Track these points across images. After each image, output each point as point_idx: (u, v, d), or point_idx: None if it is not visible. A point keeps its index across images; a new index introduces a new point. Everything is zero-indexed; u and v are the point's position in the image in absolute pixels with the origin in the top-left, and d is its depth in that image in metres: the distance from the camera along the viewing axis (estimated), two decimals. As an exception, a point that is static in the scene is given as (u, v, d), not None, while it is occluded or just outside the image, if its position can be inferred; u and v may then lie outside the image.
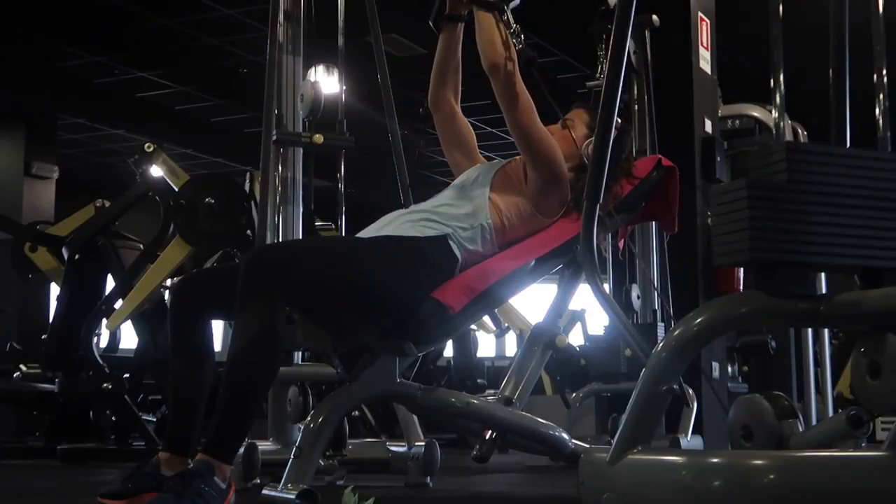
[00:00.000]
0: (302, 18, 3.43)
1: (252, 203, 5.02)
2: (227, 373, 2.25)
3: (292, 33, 3.41)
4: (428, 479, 3.42)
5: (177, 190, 5.28)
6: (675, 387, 1.74)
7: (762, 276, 1.74)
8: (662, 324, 4.41)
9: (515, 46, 2.67)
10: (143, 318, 5.48)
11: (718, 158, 4.99)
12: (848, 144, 2.03)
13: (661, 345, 1.77)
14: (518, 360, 2.83)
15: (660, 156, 3.03)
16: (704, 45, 5.12)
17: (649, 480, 1.66)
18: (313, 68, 3.83)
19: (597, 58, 4.51)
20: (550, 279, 2.95)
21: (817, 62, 2.17)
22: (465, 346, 6.77)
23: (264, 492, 2.49)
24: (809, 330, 3.98)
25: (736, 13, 6.04)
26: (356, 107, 5.00)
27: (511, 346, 10.02)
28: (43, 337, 5.68)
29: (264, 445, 3.30)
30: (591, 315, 5.86)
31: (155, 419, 6.13)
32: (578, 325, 5.88)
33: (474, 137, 3.03)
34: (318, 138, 3.29)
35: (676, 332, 1.76)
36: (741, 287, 4.94)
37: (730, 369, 5.21)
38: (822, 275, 2.40)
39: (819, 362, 4.23)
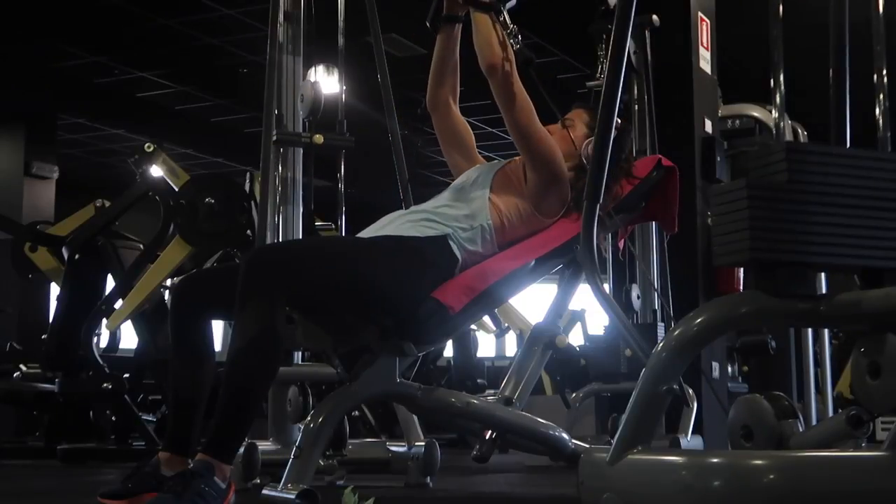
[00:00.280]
0: (302, 18, 3.43)
1: (252, 203, 5.02)
2: (227, 373, 2.25)
3: (292, 33, 3.41)
4: (428, 479, 3.42)
5: (177, 190, 5.28)
6: (675, 387, 1.74)
7: (762, 276, 1.74)
8: (662, 324, 4.41)
9: (512, 47, 2.67)
10: (143, 318, 5.48)
11: (718, 158, 4.99)
12: (848, 144, 2.03)
13: (661, 345, 1.77)
14: (518, 360, 2.83)
15: (660, 156, 3.03)
16: (704, 45, 5.12)
17: (649, 480, 1.66)
18: (313, 68, 3.83)
19: (597, 58, 4.51)
20: (550, 279, 2.95)
21: (817, 62, 2.17)
22: (465, 346, 6.76)
23: (264, 492, 2.49)
24: (809, 330, 3.99)
25: (736, 13, 6.04)
26: (356, 107, 5.00)
27: (511, 346, 10.02)
28: (43, 337, 5.68)
29: (264, 445, 3.30)
30: (591, 315, 5.86)
31: (155, 419, 6.13)
32: (578, 325, 5.88)
33: (473, 138, 3.03)
34: (318, 139, 3.29)
35: (676, 332, 1.76)
36: (741, 287, 4.94)
37: (730, 369, 5.21)
38: (822, 275, 2.40)
39: (819, 362, 4.24)
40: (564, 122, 2.90)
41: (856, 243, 1.75)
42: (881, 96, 2.14)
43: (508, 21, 2.68)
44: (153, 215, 5.46)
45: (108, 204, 5.63)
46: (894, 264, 1.76)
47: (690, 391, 4.11)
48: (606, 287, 4.54)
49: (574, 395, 4.65)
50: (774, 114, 2.15)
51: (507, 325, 6.21)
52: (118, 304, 5.40)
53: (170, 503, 2.12)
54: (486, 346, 8.67)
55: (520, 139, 2.70)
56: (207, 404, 2.44)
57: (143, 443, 5.51)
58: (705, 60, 5.12)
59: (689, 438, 4.15)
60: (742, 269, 4.78)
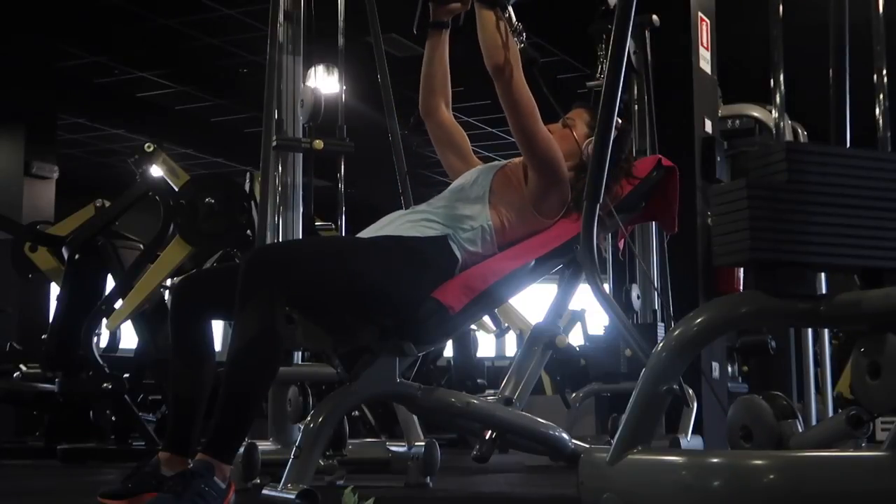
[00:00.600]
0: (302, 18, 3.43)
1: (252, 203, 5.02)
2: (227, 373, 2.25)
3: (292, 33, 3.41)
4: (428, 479, 3.42)
5: (177, 190, 5.28)
6: (675, 387, 1.74)
7: (762, 276, 1.74)
8: (662, 324, 4.41)
9: (517, 45, 2.66)
10: (143, 318, 5.48)
11: (718, 158, 4.99)
12: (848, 144, 2.03)
13: (661, 345, 1.77)
14: (518, 360, 2.83)
15: (660, 156, 3.03)
16: (704, 45, 5.12)
17: (649, 480, 1.66)
18: (313, 68, 3.83)
19: (597, 58, 4.51)
20: (550, 279, 2.95)
21: (817, 62, 2.17)
22: (465, 346, 6.76)
23: (264, 492, 2.49)
24: (809, 330, 3.98)
25: (736, 13, 6.04)
26: (356, 107, 5.01)
27: (511, 346, 10.02)
28: (43, 337, 5.68)
29: (264, 445, 3.30)
30: (591, 315, 5.86)
31: (155, 419, 6.13)
32: (578, 325, 5.88)
33: (468, 141, 3.04)
34: (318, 144, 3.30)
35: (676, 332, 1.76)
36: (741, 287, 4.94)
37: (730, 369, 5.21)
38: (822, 275, 2.40)
39: (819, 362, 4.23)
40: (565, 121, 2.90)
41: (856, 243, 1.75)
42: (881, 96, 2.14)
43: (514, 18, 2.67)
44: (153, 215, 5.46)
45: (108, 204, 5.63)
46: (894, 264, 1.76)
47: (690, 391, 4.11)
48: (606, 287, 4.54)
49: (574, 395, 4.65)
50: (774, 114, 2.15)
51: (507, 325, 6.21)
52: (118, 304, 5.39)
53: (170, 503, 2.13)
54: (486, 346, 8.67)
55: (523, 141, 2.70)
56: (207, 404, 2.44)
57: (143, 443, 5.51)
58: (705, 60, 5.12)
59: (689, 438, 4.16)
60: (742, 269, 4.78)
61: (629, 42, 2.01)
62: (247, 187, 5.14)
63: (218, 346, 2.61)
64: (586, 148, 2.80)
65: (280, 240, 3.34)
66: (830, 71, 2.05)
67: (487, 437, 2.62)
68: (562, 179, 2.75)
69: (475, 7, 2.68)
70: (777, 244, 1.72)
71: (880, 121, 2.11)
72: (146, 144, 5.44)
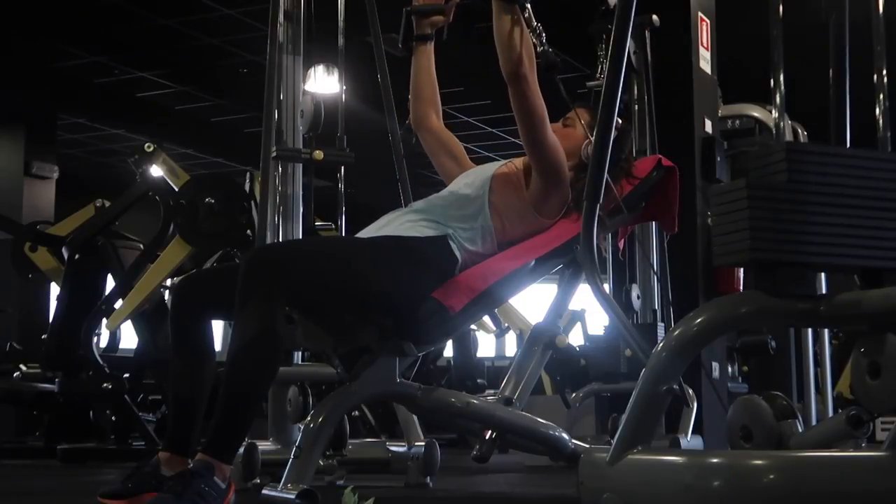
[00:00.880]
0: (302, 18, 3.43)
1: (252, 203, 5.02)
2: (227, 373, 2.25)
3: (292, 33, 3.41)
4: (428, 479, 3.42)
5: (177, 190, 5.28)
6: (675, 387, 1.74)
7: (762, 276, 1.74)
8: (662, 324, 4.41)
9: (536, 48, 2.62)
10: (143, 318, 5.48)
11: (718, 158, 4.99)
12: (848, 144, 2.03)
13: (661, 345, 1.77)
14: (518, 360, 2.83)
15: (660, 156, 3.03)
16: (704, 45, 5.12)
17: (649, 480, 1.66)
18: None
19: (597, 58, 4.50)
20: (550, 279, 2.95)
21: (817, 62, 2.17)
22: (465, 346, 6.77)
23: (264, 492, 2.49)
24: (809, 330, 3.98)
25: (736, 13, 6.04)
26: (356, 107, 5.00)
27: (511, 346, 10.02)
28: (43, 337, 5.68)
29: (264, 445, 3.30)
30: (591, 315, 5.86)
31: (155, 419, 6.13)
32: (578, 325, 5.88)
33: (461, 146, 3.05)
34: (318, 155, 3.30)
35: (676, 332, 1.76)
36: (741, 287, 4.94)
37: (730, 369, 5.21)
38: (822, 275, 2.40)
39: (819, 362, 4.23)
40: (566, 121, 2.90)
41: (856, 243, 1.75)
42: (881, 96, 2.14)
43: (532, 18, 2.62)
44: (153, 215, 5.46)
45: (108, 204, 5.63)
46: (894, 264, 1.76)
47: (690, 391, 4.11)
48: (606, 287, 4.54)
49: (574, 395, 4.65)
50: (774, 114, 2.15)
51: (507, 325, 6.21)
52: (118, 304, 5.40)
53: (170, 503, 2.12)
54: (486, 346, 8.67)
55: (531, 147, 2.69)
56: (207, 404, 2.44)
57: (143, 443, 5.51)
58: (705, 60, 5.12)
59: (689, 438, 4.15)
60: (742, 269, 4.78)
61: (629, 42, 2.01)
62: (247, 187, 5.15)
63: (218, 346, 2.61)
64: (586, 148, 2.80)
65: (280, 238, 3.34)
66: (830, 71, 2.05)
67: (487, 437, 2.62)
68: (564, 182, 2.75)
69: (493, 4, 2.61)
70: (777, 244, 1.72)
71: (880, 121, 2.11)
72: (146, 144, 5.44)
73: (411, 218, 2.68)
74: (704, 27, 5.13)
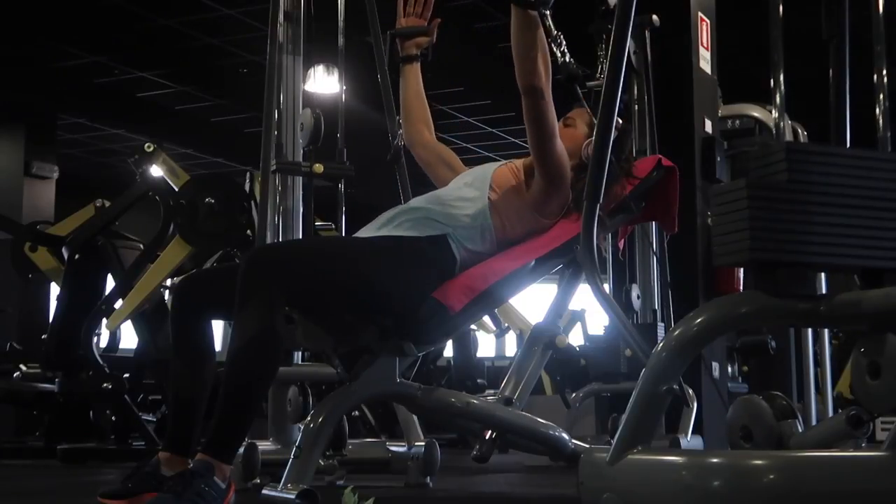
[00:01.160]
0: (302, 18, 3.43)
1: (252, 203, 5.02)
2: (227, 373, 2.25)
3: (292, 33, 3.41)
4: (428, 479, 3.42)
5: (177, 190, 5.28)
6: (675, 387, 1.74)
7: (762, 276, 1.74)
8: (662, 324, 4.41)
9: (558, 59, 2.59)
10: (143, 318, 5.48)
11: (718, 158, 4.99)
12: (848, 144, 2.03)
13: (661, 345, 1.77)
14: (518, 360, 2.83)
15: (660, 156, 3.04)
16: (704, 45, 5.12)
17: (649, 480, 1.66)
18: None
19: (597, 58, 4.50)
20: (550, 279, 2.95)
21: (817, 62, 2.17)
22: (465, 346, 6.76)
23: (264, 492, 2.49)
24: (809, 330, 3.98)
25: (736, 13, 6.04)
26: (356, 107, 5.00)
27: (511, 346, 10.02)
28: (43, 337, 5.68)
29: (264, 445, 3.30)
30: (591, 315, 5.86)
31: (155, 419, 6.13)
32: (578, 325, 5.87)
33: (455, 155, 3.07)
34: (318, 168, 3.31)
35: (676, 332, 1.76)
36: (741, 287, 4.93)
37: (730, 369, 5.21)
38: (822, 275, 2.40)
39: (819, 362, 4.23)
40: (566, 121, 2.90)
41: (856, 243, 1.75)
42: (881, 96, 2.14)
43: (552, 27, 2.57)
44: (153, 215, 5.46)
45: (108, 204, 5.63)
46: (894, 264, 1.76)
47: (690, 391, 4.11)
48: (606, 287, 4.54)
49: (574, 395, 4.65)
50: (774, 114, 2.14)
51: (507, 325, 6.21)
52: (118, 304, 5.39)
53: (170, 503, 2.13)
54: (486, 346, 8.67)
55: (539, 156, 2.69)
56: (207, 404, 2.45)
57: (143, 443, 5.51)
58: (705, 60, 5.12)
59: (689, 438, 4.15)
60: (742, 269, 4.78)
61: (629, 42, 2.01)
62: (247, 187, 5.14)
63: (218, 346, 2.61)
64: (586, 148, 2.80)
65: (280, 238, 3.34)
66: (830, 71, 2.05)
67: (487, 437, 2.63)
68: (565, 185, 2.75)
69: (512, 12, 2.57)
70: (777, 244, 1.72)
71: (880, 121, 2.11)
72: (146, 144, 5.44)
73: (410, 217, 2.68)
74: (704, 27, 5.13)
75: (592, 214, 1.96)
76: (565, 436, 2.73)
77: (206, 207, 5.17)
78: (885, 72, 2.16)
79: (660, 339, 3.06)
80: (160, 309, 5.43)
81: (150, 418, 6.05)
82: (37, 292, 8.41)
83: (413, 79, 3.05)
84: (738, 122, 5.95)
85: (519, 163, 2.84)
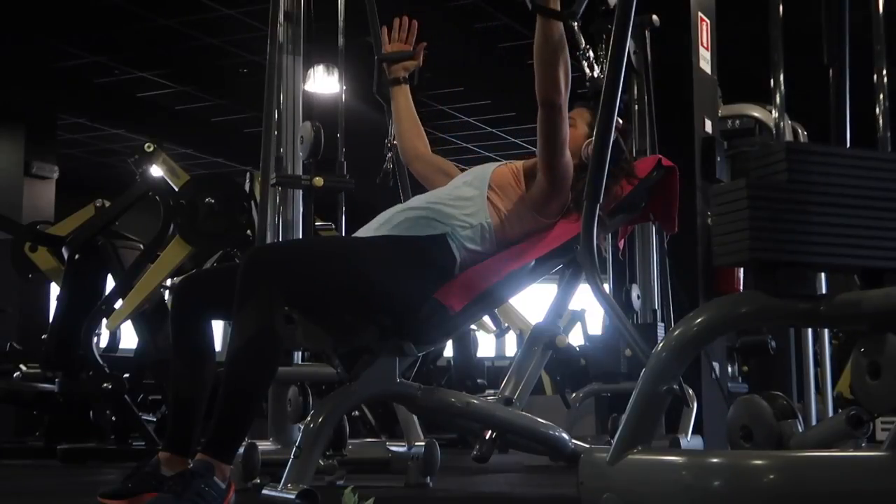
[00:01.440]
0: (302, 18, 3.43)
1: (252, 203, 5.02)
2: (227, 373, 2.25)
3: (292, 33, 3.41)
4: (428, 479, 3.42)
5: (177, 190, 5.28)
6: (675, 387, 1.74)
7: (762, 276, 1.74)
8: (662, 324, 4.41)
9: (586, 74, 2.56)
10: (143, 318, 5.48)
11: (718, 158, 4.99)
12: (848, 144, 2.03)
13: (661, 345, 1.77)
14: (518, 360, 2.84)
15: (660, 156, 3.03)
16: (704, 45, 5.12)
17: (649, 480, 1.66)
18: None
19: (597, 58, 4.50)
20: (550, 279, 2.95)
21: (817, 62, 2.17)
22: (465, 346, 6.77)
23: (264, 492, 2.49)
24: (809, 330, 3.98)
25: (736, 13, 6.04)
26: (356, 107, 5.00)
27: (511, 346, 10.01)
28: (43, 337, 5.68)
29: (264, 445, 3.30)
30: (590, 315, 5.86)
31: (155, 419, 6.13)
32: (578, 325, 5.87)
33: (454, 166, 3.08)
34: (318, 181, 3.32)
35: (676, 332, 1.76)
36: (741, 287, 4.93)
37: (730, 369, 5.21)
38: (822, 275, 2.40)
39: (819, 362, 4.23)
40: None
41: (856, 243, 1.75)
42: (881, 96, 2.14)
43: (582, 40, 2.53)
44: (153, 215, 5.46)
45: (108, 204, 5.63)
46: (894, 264, 1.76)
47: (690, 391, 4.10)
48: (606, 287, 4.54)
49: (574, 395, 4.65)
50: (774, 114, 2.15)
51: (507, 325, 6.21)
52: (118, 304, 5.39)
53: (170, 503, 2.13)
54: (486, 346, 8.67)
55: (546, 164, 2.69)
56: (207, 404, 2.45)
57: (143, 443, 5.51)
58: (705, 60, 5.12)
59: (689, 438, 4.15)
60: (742, 269, 4.78)
61: (629, 42, 2.01)
62: (247, 187, 5.14)
63: (218, 346, 2.61)
64: (586, 148, 2.80)
65: (280, 238, 3.34)
66: (830, 71, 2.05)
67: (487, 437, 2.63)
68: (567, 188, 2.75)
69: (537, 21, 2.54)
70: (777, 244, 1.72)
71: (880, 121, 2.11)
72: (146, 144, 5.44)
73: (410, 216, 2.68)
74: (704, 27, 5.13)
75: (592, 214, 1.96)
76: (565, 436, 2.73)
77: (206, 207, 5.17)
78: (885, 72, 2.16)
79: (660, 339, 3.07)
80: (160, 309, 5.43)
81: (150, 418, 6.05)
82: (37, 292, 8.41)
83: (403, 100, 3.14)
84: (738, 122, 5.94)
85: (519, 164, 2.84)
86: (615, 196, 2.80)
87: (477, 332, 7.00)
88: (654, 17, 4.52)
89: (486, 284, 2.60)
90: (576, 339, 5.35)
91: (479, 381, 6.57)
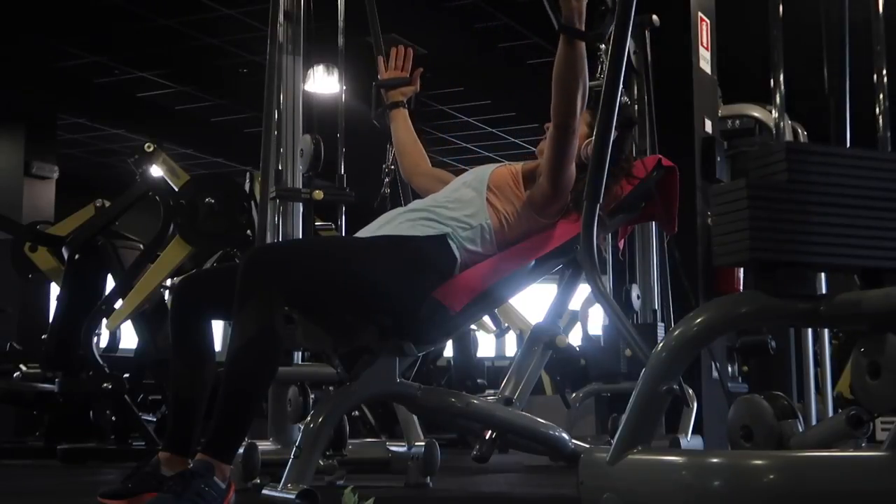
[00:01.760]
0: (302, 18, 3.43)
1: (252, 203, 5.02)
2: (227, 373, 2.25)
3: (292, 33, 3.41)
4: (428, 479, 3.42)
5: (177, 190, 5.28)
6: (675, 387, 1.74)
7: (762, 276, 1.74)
8: (662, 324, 4.41)
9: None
10: (143, 318, 5.48)
11: (718, 158, 4.99)
12: (848, 144, 2.03)
13: (661, 345, 1.77)
14: (518, 360, 2.84)
15: (660, 156, 3.03)
16: (704, 45, 5.12)
17: (649, 480, 1.66)
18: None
19: (597, 58, 4.50)
20: (550, 279, 2.95)
21: (817, 62, 2.17)
22: (465, 346, 6.77)
23: (264, 492, 2.50)
24: (809, 330, 3.98)
25: (736, 13, 6.04)
26: (356, 107, 5.00)
27: (511, 346, 10.02)
28: (43, 337, 5.68)
29: (264, 445, 3.30)
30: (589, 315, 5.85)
31: (155, 419, 6.13)
32: (578, 324, 5.87)
33: (454, 177, 3.09)
34: (318, 194, 3.34)
35: (676, 332, 1.76)
36: (741, 287, 4.93)
37: (730, 369, 5.21)
38: (822, 275, 2.40)
39: (819, 362, 4.23)
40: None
41: (856, 243, 1.75)
42: (881, 96, 2.14)
43: (605, 62, 2.56)
44: (153, 215, 5.46)
45: (108, 204, 5.63)
46: (894, 264, 1.76)
47: (690, 391, 4.10)
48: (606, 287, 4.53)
49: (574, 395, 4.65)
50: (774, 114, 2.14)
51: (507, 325, 6.21)
52: (118, 304, 5.40)
53: (170, 503, 2.13)
54: (486, 346, 8.67)
55: (551, 175, 2.70)
56: (207, 404, 2.45)
57: (143, 443, 5.51)
58: (705, 60, 5.12)
59: (689, 438, 4.15)
60: (742, 269, 4.78)
61: (629, 42, 2.01)
62: (247, 187, 5.15)
63: (218, 346, 2.61)
64: (586, 148, 2.80)
65: (280, 238, 3.34)
66: (826, 71, 2.05)
67: (487, 437, 2.63)
68: (567, 192, 2.75)
69: (560, 42, 2.52)
70: (777, 244, 1.72)
71: (880, 121, 2.11)
72: (146, 144, 5.44)
73: (410, 217, 2.68)
74: (704, 27, 5.13)
75: (592, 214, 1.96)
76: (565, 436, 2.73)
77: (206, 207, 5.17)
78: (885, 72, 2.16)
79: (660, 339, 3.07)
80: (160, 309, 5.43)
81: (150, 418, 6.05)
82: (37, 292, 8.41)
83: (402, 122, 3.18)
84: (738, 122, 5.94)
85: (518, 166, 2.84)
86: (615, 196, 2.80)
87: (477, 332, 7.00)
88: (654, 17, 4.52)
89: (486, 284, 2.60)
90: (576, 339, 5.35)
91: (479, 381, 6.57)
